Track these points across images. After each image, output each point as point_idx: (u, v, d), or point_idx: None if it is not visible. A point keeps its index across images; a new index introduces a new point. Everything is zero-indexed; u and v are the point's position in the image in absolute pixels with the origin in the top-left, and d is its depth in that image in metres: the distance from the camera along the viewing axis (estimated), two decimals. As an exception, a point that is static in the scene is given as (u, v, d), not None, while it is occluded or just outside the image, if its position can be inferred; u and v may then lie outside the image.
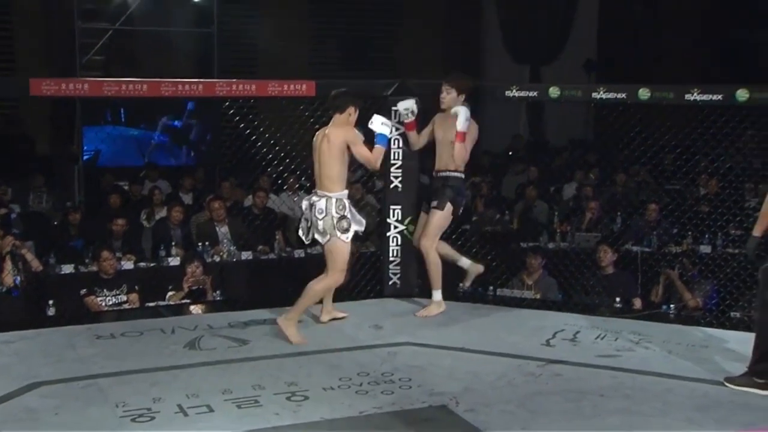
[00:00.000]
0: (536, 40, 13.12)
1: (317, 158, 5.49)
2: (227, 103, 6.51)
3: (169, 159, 11.36)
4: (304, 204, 5.55)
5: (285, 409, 4.39)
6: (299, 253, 7.99)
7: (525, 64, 13.14)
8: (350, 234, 5.44)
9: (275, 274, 7.91)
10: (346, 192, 5.47)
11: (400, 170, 6.50)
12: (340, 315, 5.93)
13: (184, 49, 11.38)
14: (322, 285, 5.55)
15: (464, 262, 6.29)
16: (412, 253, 6.59)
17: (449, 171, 5.98)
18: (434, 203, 5.97)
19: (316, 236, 5.48)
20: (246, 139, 7.09)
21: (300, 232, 5.65)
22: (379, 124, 5.55)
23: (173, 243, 8.14)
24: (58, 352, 5.24)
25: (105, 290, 6.84)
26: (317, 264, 7.44)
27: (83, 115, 10.54)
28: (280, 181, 8.33)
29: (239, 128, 6.91)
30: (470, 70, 12.83)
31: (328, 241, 5.44)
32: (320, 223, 5.40)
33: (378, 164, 5.60)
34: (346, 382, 4.76)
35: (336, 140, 5.38)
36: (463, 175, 6.04)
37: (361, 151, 5.43)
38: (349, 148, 5.40)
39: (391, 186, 6.55)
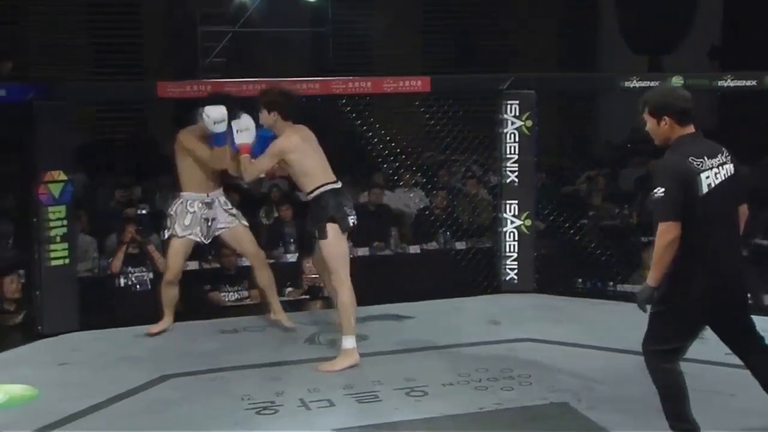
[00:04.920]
0: (656, 28, 12.70)
1: None
2: (344, 101, 6.59)
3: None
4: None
5: (405, 404, 4.42)
6: (415, 249, 8.01)
7: (644, 54, 12.77)
8: (176, 232, 5.43)
9: (391, 270, 7.95)
10: (187, 193, 5.45)
11: (516, 165, 6.44)
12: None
13: (300, 48, 11.57)
14: (161, 287, 5.67)
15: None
16: (529, 248, 6.54)
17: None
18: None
19: None
20: (361, 136, 7.16)
21: None
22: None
23: (291, 240, 8.30)
24: (184, 346, 5.42)
25: (227, 286, 7.03)
26: (432, 260, 7.51)
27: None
28: (395, 178, 8.38)
29: (354, 125, 6.98)
30: (587, 61, 12.60)
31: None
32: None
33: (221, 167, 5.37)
34: (465, 378, 4.75)
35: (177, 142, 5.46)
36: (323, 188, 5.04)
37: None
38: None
39: (507, 181, 6.49)
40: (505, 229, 6.53)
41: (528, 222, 6.51)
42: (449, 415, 4.26)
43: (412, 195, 8.57)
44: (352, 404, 4.45)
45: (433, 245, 8.09)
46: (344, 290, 5.05)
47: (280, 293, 7.11)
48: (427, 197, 8.47)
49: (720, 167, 3.65)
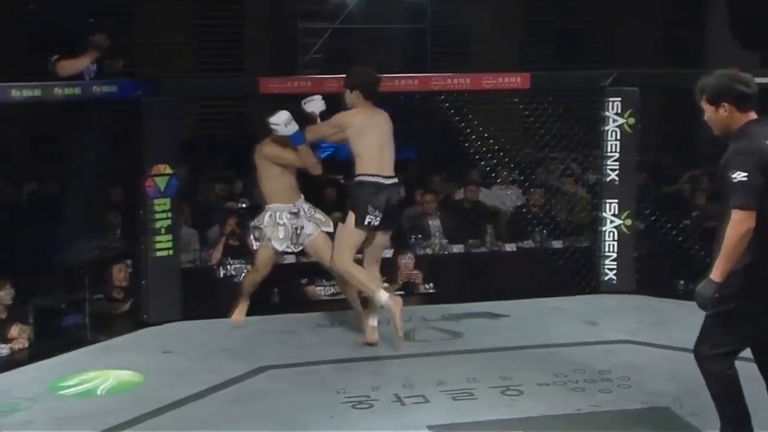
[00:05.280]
0: (769, 21, 12.19)
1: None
2: (442, 97, 6.59)
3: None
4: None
5: (500, 402, 4.40)
6: (510, 247, 7.93)
7: (755, 49, 12.28)
8: (259, 244, 5.54)
9: (486, 268, 7.90)
10: (274, 205, 5.50)
11: (617, 163, 6.32)
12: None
13: (398, 44, 11.60)
14: (247, 277, 5.83)
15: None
16: (629, 248, 6.41)
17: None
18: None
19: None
20: (458, 133, 7.14)
21: None
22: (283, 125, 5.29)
23: (387, 236, 8.33)
24: (282, 339, 5.53)
25: (324, 280, 7.11)
26: (528, 258, 7.42)
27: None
28: (494, 175, 8.33)
29: (452, 122, 6.97)
30: (693, 57, 12.23)
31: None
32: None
33: (309, 164, 5.45)
34: (561, 379, 4.69)
35: (257, 156, 5.54)
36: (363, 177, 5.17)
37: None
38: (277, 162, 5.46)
39: (607, 180, 6.38)
40: (604, 229, 6.42)
41: (628, 221, 6.39)
42: (545, 416, 4.22)
43: (509, 192, 8.49)
44: (447, 401, 4.45)
45: (529, 243, 8.00)
46: (345, 266, 5.19)
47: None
48: (524, 195, 8.38)
49: None
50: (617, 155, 6.32)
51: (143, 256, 5.84)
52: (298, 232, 5.55)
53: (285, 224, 5.53)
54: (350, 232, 5.16)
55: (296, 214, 5.57)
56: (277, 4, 11.38)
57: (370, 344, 5.33)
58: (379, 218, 5.12)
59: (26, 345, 5.34)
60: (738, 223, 3.30)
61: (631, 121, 6.31)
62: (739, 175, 3.30)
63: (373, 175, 5.12)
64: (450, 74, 6.32)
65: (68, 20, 5.77)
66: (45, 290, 5.74)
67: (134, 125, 5.82)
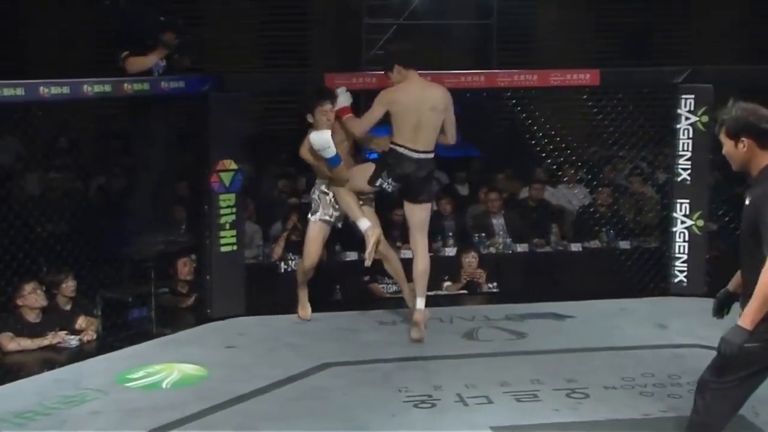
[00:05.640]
0: None
1: None
2: (508, 94, 6.51)
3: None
4: None
5: (565, 405, 4.32)
6: (576, 246, 7.80)
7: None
8: (316, 216, 5.62)
9: (551, 268, 7.77)
10: (320, 180, 5.65)
11: (689, 162, 6.15)
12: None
13: (464, 41, 11.51)
14: (298, 268, 5.90)
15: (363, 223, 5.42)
16: (700, 249, 6.24)
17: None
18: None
19: None
20: (524, 130, 7.04)
21: None
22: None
23: (450, 234, 8.27)
24: (345, 336, 5.51)
25: (386, 278, 7.07)
26: (595, 259, 7.28)
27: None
28: (560, 173, 8.19)
29: (518, 119, 6.88)
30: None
31: None
32: None
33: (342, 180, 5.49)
34: (629, 383, 4.59)
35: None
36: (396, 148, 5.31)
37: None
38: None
39: (679, 179, 6.21)
40: (675, 229, 6.26)
41: (700, 222, 6.21)
42: (611, 420, 4.13)
43: (575, 191, 8.35)
44: (511, 402, 4.39)
45: (595, 244, 7.85)
46: (342, 190, 5.42)
47: (438, 287, 7.12)
48: (591, 194, 8.23)
49: None
50: (689, 154, 6.15)
51: (208, 251, 5.88)
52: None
53: (329, 194, 5.60)
54: (362, 174, 5.39)
55: None
56: (342, 0, 11.40)
57: (414, 324, 5.34)
58: (391, 186, 5.35)
59: (95, 337, 5.44)
60: None
61: (705, 119, 6.13)
62: None
63: (401, 146, 5.25)
64: (517, 71, 6.26)
65: (139, 18, 5.83)
66: (112, 283, 5.82)
67: (201, 120, 5.86)
